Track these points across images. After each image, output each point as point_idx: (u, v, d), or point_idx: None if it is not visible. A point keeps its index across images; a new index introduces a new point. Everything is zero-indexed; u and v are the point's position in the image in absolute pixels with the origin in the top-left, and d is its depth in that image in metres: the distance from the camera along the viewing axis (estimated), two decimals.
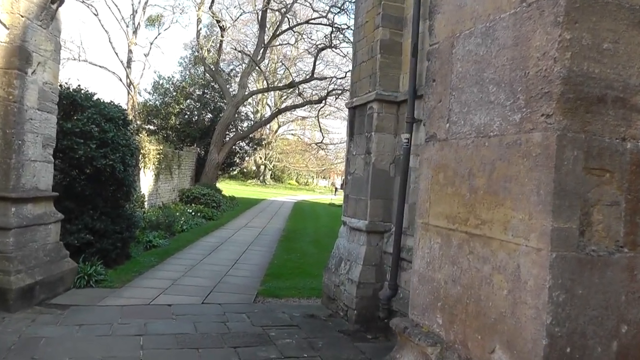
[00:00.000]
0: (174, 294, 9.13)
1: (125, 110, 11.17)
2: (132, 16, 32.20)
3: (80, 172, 10.20)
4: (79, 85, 10.36)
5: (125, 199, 11.38)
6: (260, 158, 66.05)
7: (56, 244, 8.96)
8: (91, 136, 9.71)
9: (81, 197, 10.34)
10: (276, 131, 64.14)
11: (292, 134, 72.94)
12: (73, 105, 9.99)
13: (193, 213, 20.06)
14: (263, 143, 42.86)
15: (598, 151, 2.50)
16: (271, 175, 71.69)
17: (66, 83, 10.42)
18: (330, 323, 8.05)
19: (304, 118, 66.76)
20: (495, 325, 2.71)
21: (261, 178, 68.34)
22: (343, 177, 55.93)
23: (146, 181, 20.28)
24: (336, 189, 65.97)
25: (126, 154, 10.49)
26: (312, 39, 30.36)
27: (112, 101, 10.84)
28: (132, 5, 33.07)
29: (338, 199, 51.42)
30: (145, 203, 18.77)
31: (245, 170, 72.80)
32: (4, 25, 7.98)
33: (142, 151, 19.49)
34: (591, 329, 2.47)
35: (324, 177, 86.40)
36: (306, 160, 72.36)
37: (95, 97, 10.43)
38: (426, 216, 3.48)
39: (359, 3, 9.41)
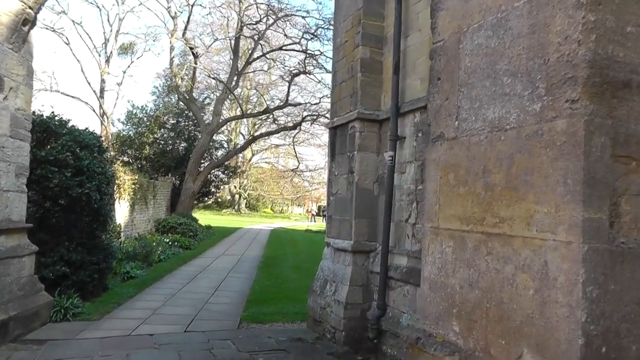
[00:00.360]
0: (156, 323, 8.85)
1: (101, 137, 10.96)
2: (104, 45, 32.03)
3: (54, 203, 9.91)
4: (52, 112, 10.13)
5: (102, 229, 11.09)
6: (235, 187, 65.63)
7: (30, 277, 8.63)
8: (66, 164, 9.47)
9: (56, 228, 10.06)
10: (250, 159, 63.98)
11: (267, 162, 72.89)
12: (47, 132, 9.76)
13: (170, 243, 19.70)
14: (238, 171, 42.60)
15: (625, 138, 2.41)
16: (246, 204, 71.21)
17: (39, 110, 10.20)
18: (318, 346, 7.87)
19: (277, 146, 66.82)
20: (522, 328, 2.58)
21: (236, 207, 67.80)
22: (318, 204, 55.81)
23: (122, 212, 19.86)
24: (313, 215, 65.94)
25: (102, 182, 10.25)
26: (285, 66, 30.59)
27: (87, 128, 10.62)
28: (104, 34, 32.88)
29: (314, 225, 51.38)
30: (122, 234, 18.35)
31: (219, 200, 72.11)
32: None
33: (117, 181, 19.14)
34: (625, 327, 2.35)
35: (298, 205, 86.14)
36: (281, 187, 72.17)
37: (69, 125, 10.20)
38: (435, 220, 3.40)
39: (337, 23, 9.47)
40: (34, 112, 9.53)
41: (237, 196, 68.33)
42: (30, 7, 8.61)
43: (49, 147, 9.67)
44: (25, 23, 8.59)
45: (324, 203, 75.13)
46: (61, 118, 10.22)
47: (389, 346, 7.35)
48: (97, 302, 10.12)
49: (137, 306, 10.15)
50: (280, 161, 72.57)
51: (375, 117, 8.31)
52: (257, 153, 66.33)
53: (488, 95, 2.92)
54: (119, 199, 19.52)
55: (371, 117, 8.30)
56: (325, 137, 56.99)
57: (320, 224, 51.99)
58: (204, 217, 36.77)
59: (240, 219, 53.92)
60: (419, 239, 7.09)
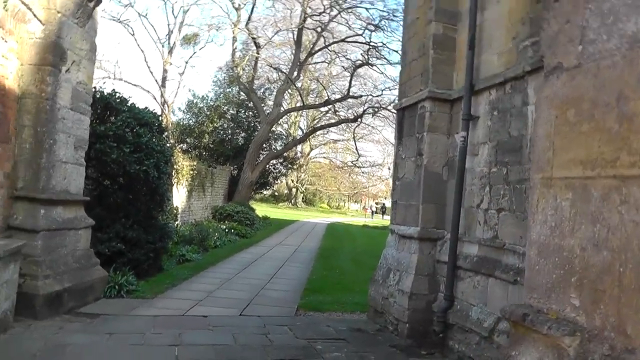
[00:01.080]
0: (210, 305, 8.55)
1: (160, 116, 10.78)
2: (167, 36, 32.44)
3: (112, 181, 9.81)
4: (113, 90, 10.02)
5: (159, 209, 10.92)
6: (292, 181, 65.71)
7: (86, 250, 8.49)
8: (125, 140, 9.31)
9: (113, 205, 9.95)
10: (308, 154, 63.80)
11: (324, 157, 72.62)
12: (107, 108, 9.64)
13: (227, 230, 19.57)
14: (296, 163, 42.44)
15: None
16: (303, 198, 71.23)
17: (100, 87, 10.09)
18: (379, 337, 7.34)
19: (335, 141, 66.38)
20: None
21: (293, 201, 67.91)
22: (375, 201, 54.98)
23: (179, 197, 19.92)
24: (372, 212, 65.36)
25: (160, 160, 10.06)
26: (347, 58, 30.04)
27: (147, 107, 10.47)
28: (168, 25, 33.30)
29: (372, 221, 50.70)
30: (179, 218, 18.37)
31: (277, 193, 72.56)
32: (40, 20, 7.66)
33: (175, 167, 19.19)
34: None
35: (355, 201, 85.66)
36: (338, 183, 71.73)
37: (129, 103, 10.06)
38: (548, 169, 2.79)
39: (408, 0, 8.86)
40: (95, 89, 9.43)
41: (294, 190, 68.41)
42: None
43: (108, 123, 9.54)
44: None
45: (381, 200, 74.49)
46: (122, 95, 10.09)
47: (456, 341, 6.74)
48: (152, 282, 9.93)
49: (191, 288, 9.90)
50: (338, 156, 72.22)
51: (446, 96, 7.69)
52: (316, 147, 66.14)
53: (628, 5, 2.30)
54: (177, 184, 19.57)
55: (442, 96, 7.68)
56: (385, 132, 56.12)
57: (378, 221, 51.32)
58: (261, 209, 36.81)
59: (297, 212, 53.85)
60: (491, 225, 6.47)
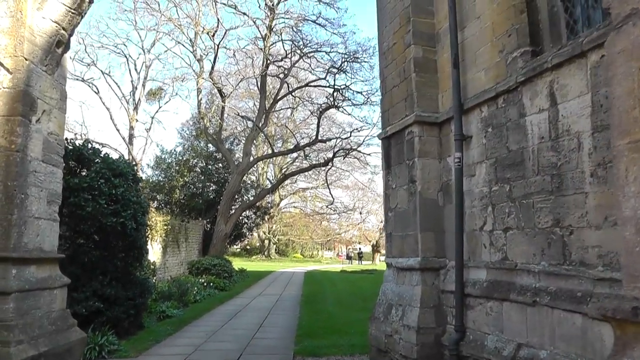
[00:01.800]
0: (200, 359, 7.98)
1: (135, 165, 10.38)
2: (132, 92, 32.21)
3: (87, 238, 9.30)
4: (86, 140, 9.62)
5: (137, 263, 10.37)
6: (264, 232, 64.88)
7: (62, 311, 7.86)
8: (100, 192, 8.85)
9: (89, 262, 9.41)
10: (278, 204, 63.30)
11: (294, 207, 72.22)
12: (79, 160, 9.20)
13: (205, 284, 18.88)
14: (269, 212, 41.89)
15: None
16: (276, 249, 70.22)
17: (71, 139, 9.68)
18: None
19: (304, 189, 66.24)
20: None
21: (266, 252, 66.86)
22: (348, 248, 54.59)
23: (154, 254, 19.22)
24: (350, 257, 64.81)
25: (137, 211, 9.60)
26: (313, 102, 30.19)
27: (121, 156, 10.08)
28: (132, 82, 33.04)
29: (349, 266, 50.12)
30: (156, 273, 17.64)
31: (248, 247, 71.46)
32: (7, 69, 7.25)
33: (148, 222, 18.59)
34: None
35: (329, 249, 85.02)
36: (311, 231, 71.15)
37: (102, 153, 9.66)
38: (636, 130, 2.48)
39: (382, 27, 8.82)
40: (66, 139, 9.02)
41: (266, 241, 67.48)
42: (64, 29, 8.14)
43: (81, 175, 9.10)
44: (59, 45, 8.10)
45: (356, 246, 74.09)
46: (94, 146, 9.70)
47: None
48: (134, 340, 9.30)
49: (177, 343, 9.30)
50: (308, 205, 71.93)
51: (434, 119, 7.55)
52: (285, 197, 65.75)
53: None
54: (151, 240, 18.91)
55: (430, 119, 7.54)
56: (355, 174, 56.34)
57: (355, 266, 50.78)
58: (236, 262, 35.92)
59: (272, 263, 52.85)
60: (498, 247, 6.21)
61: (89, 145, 9.41)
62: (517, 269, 5.86)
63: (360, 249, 70.27)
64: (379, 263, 63.30)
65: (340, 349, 8.93)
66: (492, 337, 6.09)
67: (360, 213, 65.74)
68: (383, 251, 72.88)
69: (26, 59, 7.39)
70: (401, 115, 7.95)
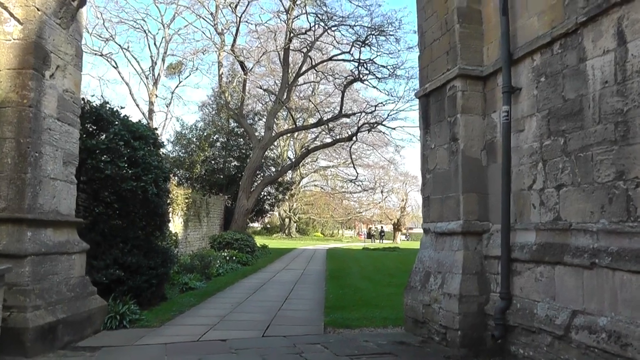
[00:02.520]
0: (226, 329, 7.56)
1: (156, 129, 9.91)
2: (151, 68, 31.77)
3: (107, 207, 8.91)
4: (104, 100, 9.15)
5: (159, 230, 9.95)
6: (285, 211, 64.69)
7: (81, 278, 7.50)
8: (119, 154, 8.40)
9: (109, 229, 9.03)
10: (299, 182, 62.91)
11: (315, 185, 71.88)
12: (97, 121, 8.74)
13: (228, 257, 18.52)
14: (292, 188, 41.29)
15: None
16: (296, 227, 70.03)
17: (88, 100, 9.19)
18: (427, 349, 6.40)
19: (325, 168, 65.73)
20: None
21: (286, 231, 66.70)
22: (369, 227, 54.34)
23: (175, 228, 18.92)
24: (372, 235, 64.50)
25: (159, 176, 9.13)
26: (336, 77, 29.31)
27: (140, 120, 9.61)
28: (151, 57, 32.52)
29: (371, 244, 49.70)
30: (178, 245, 17.33)
31: (269, 225, 71.45)
32: (17, 19, 6.80)
33: (170, 195, 18.24)
34: None
35: (349, 227, 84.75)
36: (331, 210, 70.74)
37: (122, 115, 9.19)
38: None
39: None
40: (83, 99, 8.56)
41: (287, 220, 67.32)
42: None
43: (100, 136, 8.65)
44: None
45: (376, 225, 73.62)
46: (112, 107, 9.22)
47: (520, 345, 5.82)
48: (156, 311, 8.91)
49: (201, 314, 8.90)
50: (329, 183, 71.53)
51: (478, 73, 6.92)
52: (306, 176, 65.32)
53: None
54: (173, 213, 18.59)
55: (474, 72, 6.92)
56: (378, 152, 55.55)
57: (376, 244, 50.34)
58: (256, 240, 35.79)
59: (292, 241, 52.68)
60: (550, 206, 5.63)
61: (107, 107, 8.92)
62: (571, 229, 5.28)
63: (382, 227, 69.77)
64: (400, 242, 62.91)
65: (372, 321, 8.45)
66: (543, 305, 5.53)
67: (382, 192, 65.19)
68: (404, 230, 72.39)
69: (38, 9, 6.95)
70: (442, 70, 7.32)
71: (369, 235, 68.54)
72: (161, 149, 9.76)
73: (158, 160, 9.20)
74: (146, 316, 8.26)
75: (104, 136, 8.48)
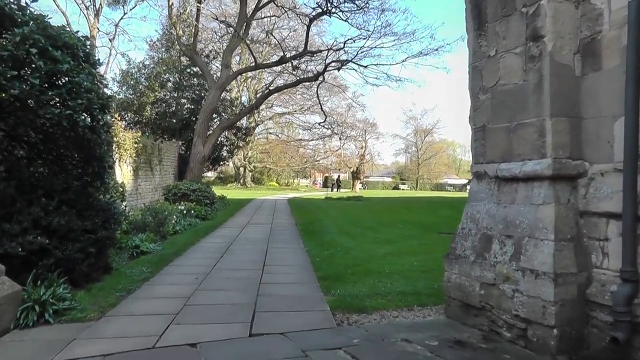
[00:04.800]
0: (195, 321, 5.28)
1: (88, 38, 7.21)
2: None
3: (30, 148, 6.37)
4: None
5: (98, 180, 7.46)
6: (240, 160, 61.85)
7: None
8: (32, 67, 5.78)
9: (29, 179, 6.54)
10: (253, 129, 59.91)
11: (270, 133, 69.14)
12: None
13: (185, 211, 16.09)
14: (252, 133, 38.34)
15: None
16: (251, 177, 67.44)
17: None
18: (506, 355, 4.30)
19: (281, 114, 62.91)
20: None
21: (241, 180, 64.06)
22: (325, 175, 52.76)
23: (123, 177, 16.25)
24: (334, 184, 62.73)
25: (93, 103, 6.57)
26: (298, 12, 26.30)
27: (64, 25, 6.88)
28: None
29: (334, 193, 47.89)
30: (125, 199, 14.72)
31: (222, 175, 68.60)
32: None
33: (116, 139, 15.49)
34: None
35: (304, 177, 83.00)
36: (288, 158, 68.37)
37: (35, 12, 6.46)
38: None
39: None
40: None
41: (242, 169, 64.57)
42: None
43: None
44: None
45: (332, 174, 71.98)
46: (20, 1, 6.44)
47: None
48: (96, 290, 6.55)
49: (157, 293, 6.57)
50: (285, 131, 69.00)
51: None
52: (261, 123, 62.23)
53: None
54: (120, 161, 15.91)
55: None
56: (335, 100, 52.95)
57: (339, 193, 48.63)
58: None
59: (249, 191, 50.27)
60: None
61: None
62: None
63: (339, 176, 68.05)
64: (359, 190, 61.43)
65: (388, 299, 6.38)
66: None
67: (340, 138, 62.93)
68: (362, 178, 71.18)
69: None
70: None
71: (325, 184, 66.87)
72: (97, 68, 7.09)
73: (92, 81, 6.60)
74: (81, 300, 5.91)
75: (6, 38, 5.77)
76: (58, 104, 6.08)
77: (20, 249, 5.92)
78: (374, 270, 8.30)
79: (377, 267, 8.61)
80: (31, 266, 6.04)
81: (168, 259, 9.12)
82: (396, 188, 79.54)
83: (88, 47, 6.91)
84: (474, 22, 5.48)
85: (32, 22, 5.98)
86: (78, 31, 7.01)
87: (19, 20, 5.97)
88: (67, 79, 6.13)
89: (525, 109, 4.74)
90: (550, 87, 4.50)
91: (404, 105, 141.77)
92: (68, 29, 6.88)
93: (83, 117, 6.23)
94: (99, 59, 7.28)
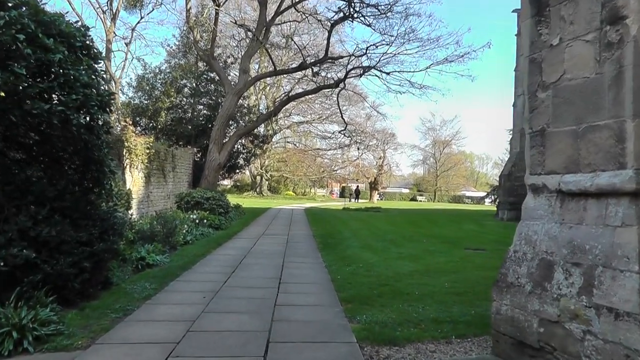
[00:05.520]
0: (196, 353, 4.50)
1: (88, 28, 6.48)
2: (109, 2, 27.51)
3: (27, 151, 5.68)
4: None
5: (97, 186, 6.74)
6: (257, 168, 61.27)
7: None
8: (17, 55, 5.08)
9: (19, 184, 5.84)
10: (271, 138, 59.27)
11: (288, 142, 68.52)
12: None
13: (197, 221, 15.36)
14: (269, 140, 37.50)
15: None
16: (268, 186, 66.81)
17: None
18: None
19: (299, 124, 62.33)
20: None
21: (258, 189, 63.38)
22: (342, 185, 52.15)
23: (134, 184, 15.61)
24: (352, 194, 62.01)
25: (90, 100, 5.85)
26: (319, 17, 25.60)
27: (60, 13, 6.19)
28: None
29: (352, 204, 47.03)
30: (132, 206, 14.04)
31: (239, 183, 68.12)
32: None
33: (126, 143, 14.89)
34: None
35: (321, 186, 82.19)
36: (305, 167, 67.61)
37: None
38: None
39: None
40: None
41: (258, 178, 63.95)
42: None
43: None
44: None
45: (350, 184, 71.07)
46: None
47: None
48: (90, 310, 5.81)
49: (158, 315, 5.79)
50: (302, 140, 68.42)
51: None
52: (279, 131, 61.60)
53: None
54: (130, 167, 15.28)
55: None
56: (354, 110, 52.18)
57: (357, 204, 47.81)
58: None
59: (265, 200, 49.55)
60: None
61: None
62: None
63: (357, 186, 67.16)
64: (376, 201, 60.44)
65: (422, 328, 5.53)
66: None
67: (358, 148, 62.01)
68: (380, 189, 70.39)
69: None
70: None
71: (342, 195, 66.00)
72: (99, 64, 6.37)
73: (90, 75, 5.89)
74: (70, 324, 5.16)
75: None
76: (45, 97, 5.36)
77: (2, 263, 5.21)
78: (402, 291, 7.45)
79: (405, 287, 7.77)
80: (16, 282, 5.34)
81: (175, 273, 8.36)
82: (413, 199, 78.42)
83: (88, 38, 6.19)
84: (532, 6, 4.64)
85: (24, 6, 5.28)
86: (78, 21, 6.31)
87: (10, 4, 5.28)
88: (60, 71, 5.42)
89: (599, 108, 3.89)
90: (634, 80, 3.65)
91: (425, 114, 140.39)
92: (67, 18, 6.17)
93: (77, 116, 5.50)
94: (100, 52, 6.57)
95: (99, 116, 6.02)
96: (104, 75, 6.70)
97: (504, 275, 4.60)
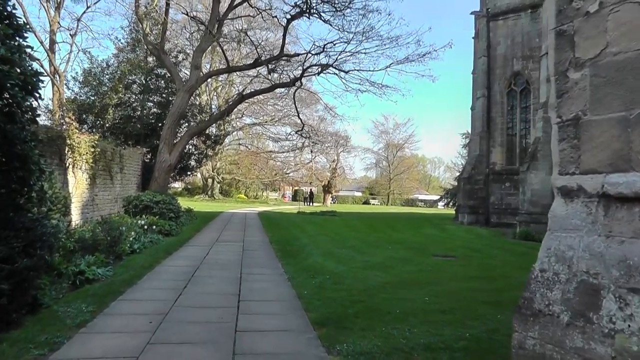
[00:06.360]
0: None
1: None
2: None
3: None
4: None
5: (23, 188, 5.56)
6: (208, 170, 59.53)
7: None
8: None
9: None
10: (224, 137, 57.56)
11: (239, 144, 66.94)
12: None
13: (146, 226, 14.09)
14: (222, 141, 36.04)
15: None
16: (219, 189, 65.11)
17: None
18: None
19: (251, 125, 61.00)
20: None
21: (209, 192, 61.63)
22: (295, 189, 51.59)
23: (77, 186, 14.21)
24: (306, 198, 61.13)
25: (10, 78, 4.71)
26: (274, 13, 24.58)
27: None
28: None
29: (306, 208, 46.08)
30: (75, 216, 12.68)
31: (190, 186, 66.23)
32: None
33: (68, 141, 13.51)
34: None
35: (273, 190, 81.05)
36: (258, 170, 66.28)
37: None
38: None
39: None
40: None
41: (210, 180, 62.21)
42: None
43: None
44: None
45: (302, 187, 70.19)
46: None
47: None
48: (6, 345, 4.65)
49: (92, 351, 4.67)
50: (254, 142, 67.08)
51: None
52: (230, 133, 59.99)
53: None
54: (73, 166, 13.89)
55: None
56: (306, 112, 51.34)
57: (311, 207, 46.96)
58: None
59: (217, 204, 48.09)
60: None
61: None
62: None
63: (311, 189, 66.36)
64: (330, 205, 59.80)
65: (416, 359, 4.65)
66: None
67: (312, 151, 61.13)
68: (334, 192, 69.85)
69: None
70: None
71: (295, 198, 65.16)
72: (24, 37, 5.21)
73: (12, 51, 4.75)
74: None
75: None
76: None
77: None
78: (380, 309, 6.58)
79: (383, 304, 6.91)
80: None
81: (118, 290, 7.24)
82: (366, 203, 78.30)
83: (9, 5, 5.04)
84: None
85: None
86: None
87: None
88: None
89: None
90: None
91: (379, 118, 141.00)
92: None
93: None
94: (27, 23, 5.40)
95: (21, 100, 4.89)
96: (31, 52, 5.55)
97: (529, 300, 3.76)
